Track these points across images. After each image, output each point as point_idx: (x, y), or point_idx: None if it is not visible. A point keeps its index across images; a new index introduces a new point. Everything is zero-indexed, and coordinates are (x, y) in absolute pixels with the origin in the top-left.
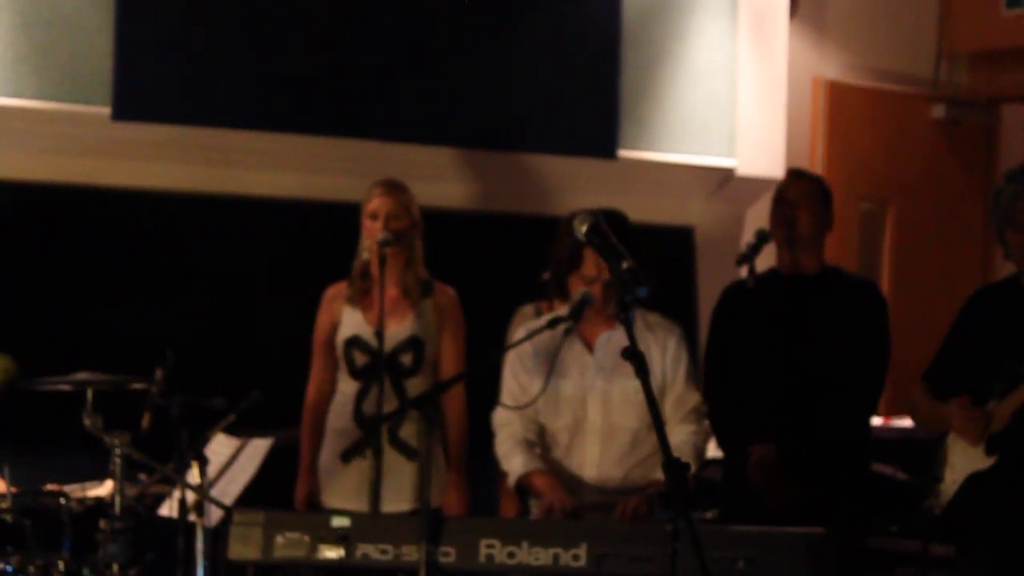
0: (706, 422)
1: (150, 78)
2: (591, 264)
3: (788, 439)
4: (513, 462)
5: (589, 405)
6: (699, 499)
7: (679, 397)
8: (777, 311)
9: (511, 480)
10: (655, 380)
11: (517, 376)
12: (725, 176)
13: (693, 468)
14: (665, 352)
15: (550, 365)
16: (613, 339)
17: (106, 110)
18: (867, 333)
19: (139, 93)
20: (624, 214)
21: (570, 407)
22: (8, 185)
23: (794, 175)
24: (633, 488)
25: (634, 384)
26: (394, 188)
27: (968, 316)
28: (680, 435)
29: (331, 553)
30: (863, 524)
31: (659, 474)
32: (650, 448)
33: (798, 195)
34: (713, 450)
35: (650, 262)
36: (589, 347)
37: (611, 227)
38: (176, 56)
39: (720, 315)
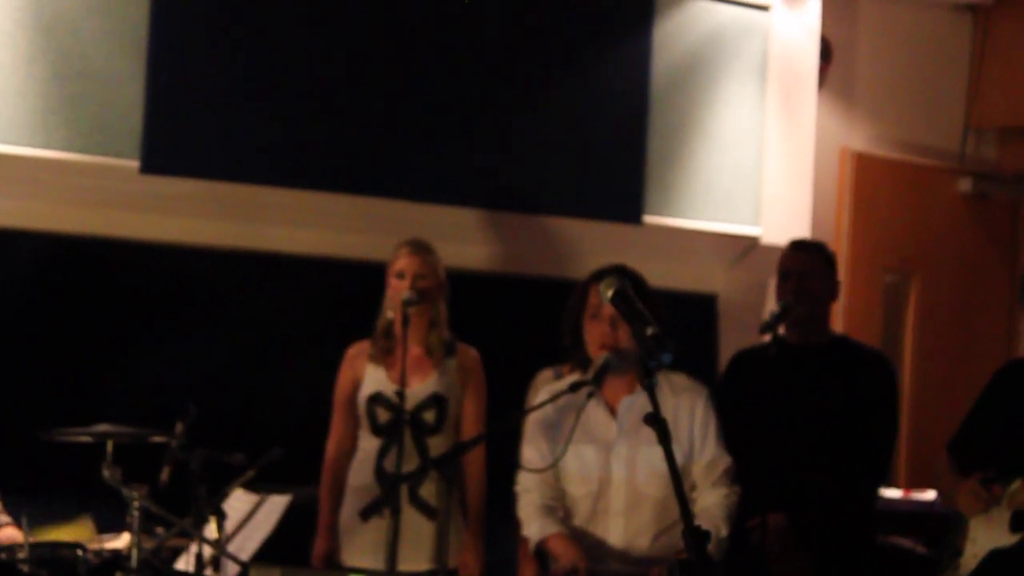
0: (737, 486)
1: (180, 132)
2: (605, 326)
3: (797, 509)
4: (532, 527)
5: (613, 471)
6: (720, 568)
7: (710, 461)
8: (785, 381)
9: (531, 545)
10: (682, 445)
11: (535, 442)
12: (749, 244)
13: (725, 531)
14: (693, 416)
15: (570, 430)
16: (636, 404)
17: (135, 163)
18: (876, 404)
19: (168, 147)
20: (640, 274)
21: (594, 473)
22: (34, 236)
23: (794, 247)
24: (657, 558)
25: (659, 451)
26: (421, 248)
27: (996, 389)
28: (712, 498)
29: None
30: None
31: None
32: (675, 516)
33: (799, 270)
34: None
35: (669, 324)
36: (612, 412)
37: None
38: (206, 111)
39: (729, 383)
